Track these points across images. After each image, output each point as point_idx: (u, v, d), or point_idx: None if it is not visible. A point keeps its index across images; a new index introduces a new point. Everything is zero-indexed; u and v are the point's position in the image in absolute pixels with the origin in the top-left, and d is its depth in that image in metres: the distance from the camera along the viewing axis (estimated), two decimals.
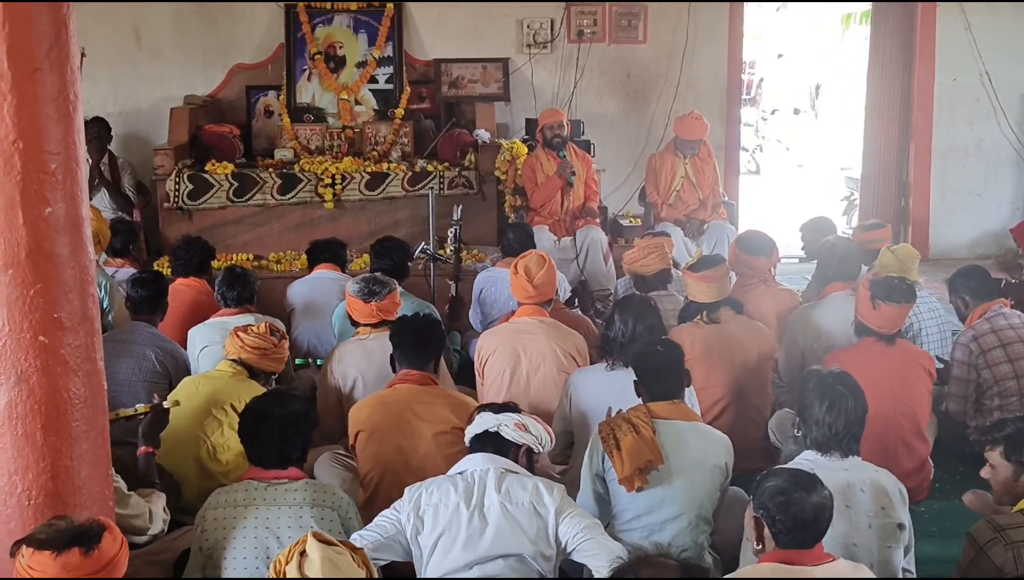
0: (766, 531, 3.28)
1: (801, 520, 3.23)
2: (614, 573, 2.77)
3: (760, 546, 3.32)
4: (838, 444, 3.92)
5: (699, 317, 5.45)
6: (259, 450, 3.83)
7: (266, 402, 3.95)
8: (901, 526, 3.84)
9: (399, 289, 5.52)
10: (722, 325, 5.41)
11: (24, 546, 2.93)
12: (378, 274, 5.59)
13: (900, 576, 3.85)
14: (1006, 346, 5.46)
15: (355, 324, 5.44)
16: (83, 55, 3.30)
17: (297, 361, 6.13)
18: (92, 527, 2.98)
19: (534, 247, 6.65)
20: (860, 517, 3.78)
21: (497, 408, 3.98)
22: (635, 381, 4.31)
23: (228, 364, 4.95)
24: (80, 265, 3.22)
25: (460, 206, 7.27)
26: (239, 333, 4.95)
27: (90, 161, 8.30)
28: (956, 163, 10.20)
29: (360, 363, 5.22)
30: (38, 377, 3.16)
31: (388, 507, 4.32)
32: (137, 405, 4.41)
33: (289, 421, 3.83)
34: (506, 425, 3.87)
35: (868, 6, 11.21)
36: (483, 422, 3.91)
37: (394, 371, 4.73)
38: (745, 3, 10.16)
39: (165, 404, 4.44)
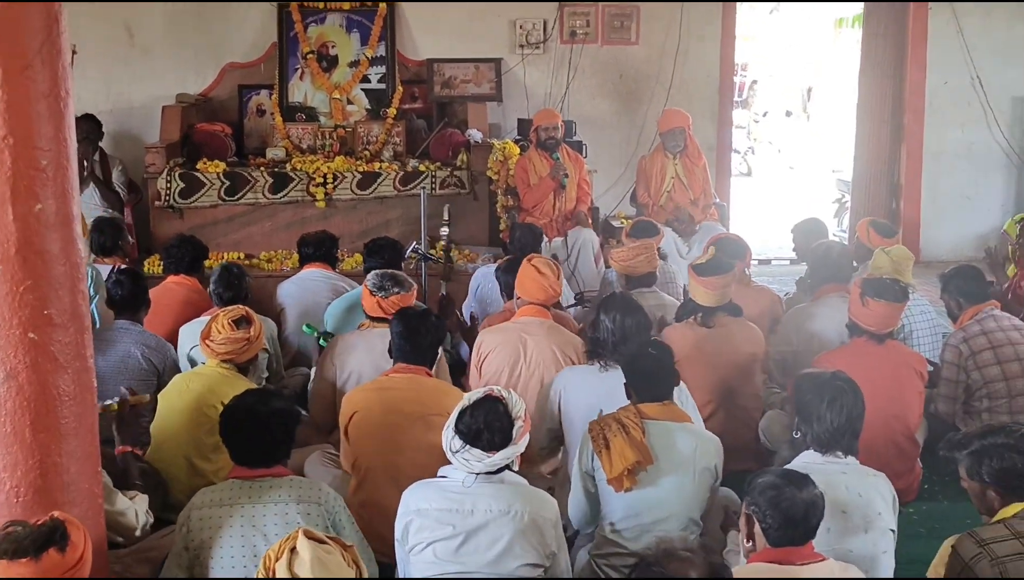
0: (756, 527, 3.28)
1: (791, 516, 3.23)
2: (637, 570, 2.74)
3: (751, 544, 3.32)
4: (839, 441, 3.89)
5: (693, 318, 5.44)
6: (243, 449, 3.78)
7: (248, 400, 3.87)
8: (893, 531, 3.85)
9: (413, 293, 5.41)
10: (715, 328, 5.41)
11: None
12: (400, 274, 5.45)
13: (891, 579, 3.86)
14: (996, 349, 5.45)
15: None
16: (74, 52, 3.27)
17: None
18: (56, 525, 2.91)
19: (540, 248, 6.65)
20: (856, 522, 3.76)
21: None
22: (625, 383, 4.28)
23: (217, 362, 4.91)
24: (70, 262, 3.21)
25: (448, 206, 7.27)
26: (207, 342, 4.83)
27: (82, 160, 8.26)
28: (947, 166, 10.22)
29: (361, 356, 5.20)
30: (27, 374, 3.15)
31: (378, 493, 4.32)
32: (107, 401, 4.23)
33: (273, 419, 3.76)
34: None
35: (860, 9, 11.20)
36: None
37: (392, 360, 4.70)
38: (738, 4, 10.17)
39: (130, 399, 4.29)
